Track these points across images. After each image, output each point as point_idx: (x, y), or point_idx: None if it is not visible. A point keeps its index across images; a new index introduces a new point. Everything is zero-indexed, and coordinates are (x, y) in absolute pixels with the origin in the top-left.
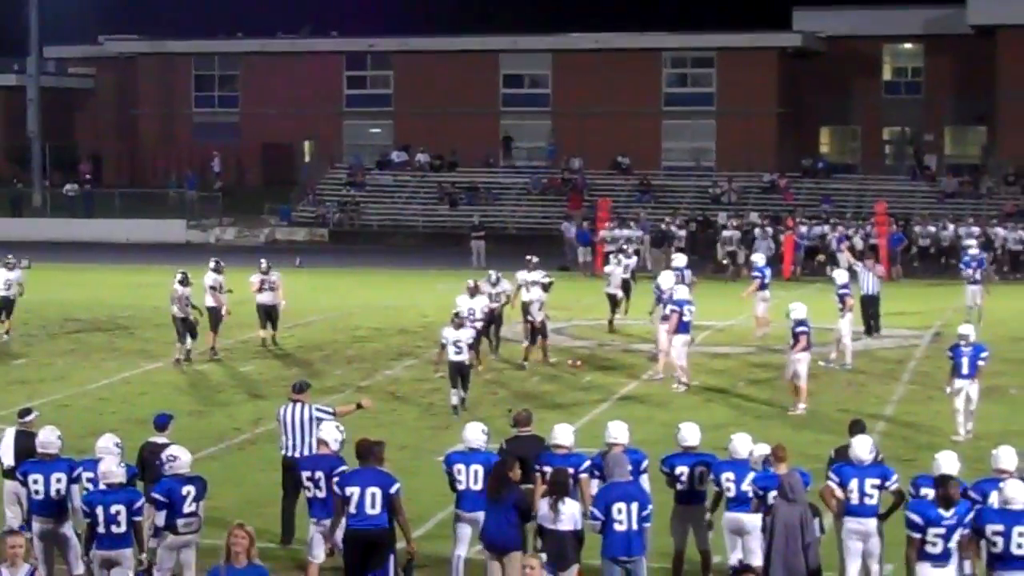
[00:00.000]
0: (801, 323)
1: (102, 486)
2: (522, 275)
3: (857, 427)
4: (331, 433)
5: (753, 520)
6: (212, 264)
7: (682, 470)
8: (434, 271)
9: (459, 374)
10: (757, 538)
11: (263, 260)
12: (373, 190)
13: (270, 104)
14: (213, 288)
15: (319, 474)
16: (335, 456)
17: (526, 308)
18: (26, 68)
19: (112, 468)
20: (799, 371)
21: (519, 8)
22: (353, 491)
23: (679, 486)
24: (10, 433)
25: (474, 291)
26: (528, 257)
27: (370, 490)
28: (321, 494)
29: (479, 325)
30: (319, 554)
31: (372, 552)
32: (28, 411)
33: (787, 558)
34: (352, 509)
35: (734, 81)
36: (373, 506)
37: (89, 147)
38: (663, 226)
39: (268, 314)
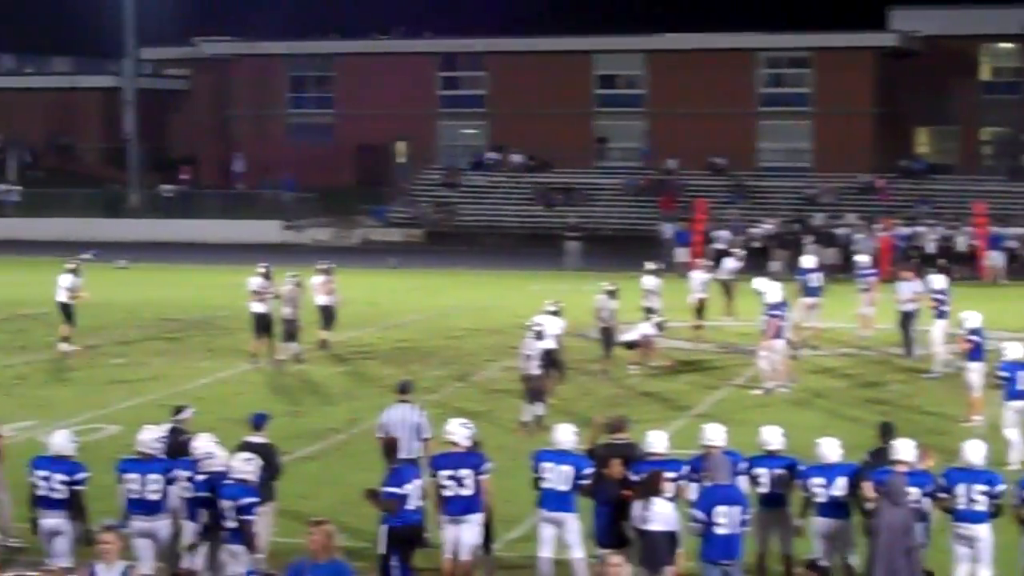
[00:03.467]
0: (974, 332)
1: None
2: (648, 280)
3: (887, 429)
4: (461, 432)
5: (837, 524)
6: (322, 265)
7: (761, 472)
8: (529, 272)
9: (533, 389)
10: (841, 543)
11: (263, 265)
12: (467, 191)
13: (364, 105)
14: (329, 288)
15: (464, 472)
16: (475, 453)
17: (650, 314)
18: (122, 70)
19: (240, 465)
20: (971, 381)
21: (613, 8)
22: (409, 488)
23: (760, 489)
24: (163, 429)
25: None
26: (649, 264)
27: (417, 484)
28: (467, 492)
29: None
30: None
31: (415, 544)
32: (182, 408)
33: (890, 562)
34: (411, 505)
35: (830, 81)
36: (419, 499)
37: (184, 148)
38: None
39: (263, 323)
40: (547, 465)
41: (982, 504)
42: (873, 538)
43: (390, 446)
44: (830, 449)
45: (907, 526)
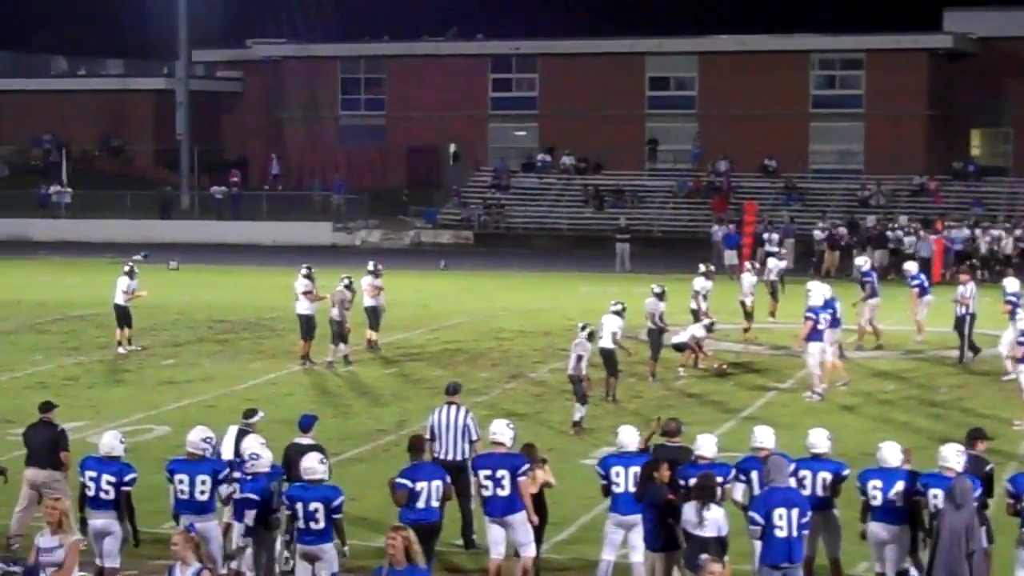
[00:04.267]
0: None
1: (304, 481)
2: (699, 282)
3: (977, 434)
4: (506, 432)
5: (892, 530)
6: (371, 267)
7: (804, 474)
8: (579, 274)
9: (581, 389)
10: (895, 548)
11: (305, 266)
12: (518, 192)
13: (415, 107)
14: (377, 289)
15: (503, 473)
16: (517, 455)
17: (696, 315)
18: (175, 72)
19: (314, 465)
20: (1022, 384)
21: (665, 10)
22: (423, 486)
23: (804, 491)
24: (232, 431)
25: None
26: (702, 267)
27: (434, 483)
28: (504, 492)
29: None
30: (502, 550)
31: (429, 544)
32: (253, 412)
33: (950, 565)
34: (420, 504)
35: (883, 83)
36: (436, 499)
37: (235, 150)
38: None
39: (309, 324)
40: (616, 469)
41: None
42: (935, 541)
43: (415, 442)
44: (891, 453)
45: (969, 529)
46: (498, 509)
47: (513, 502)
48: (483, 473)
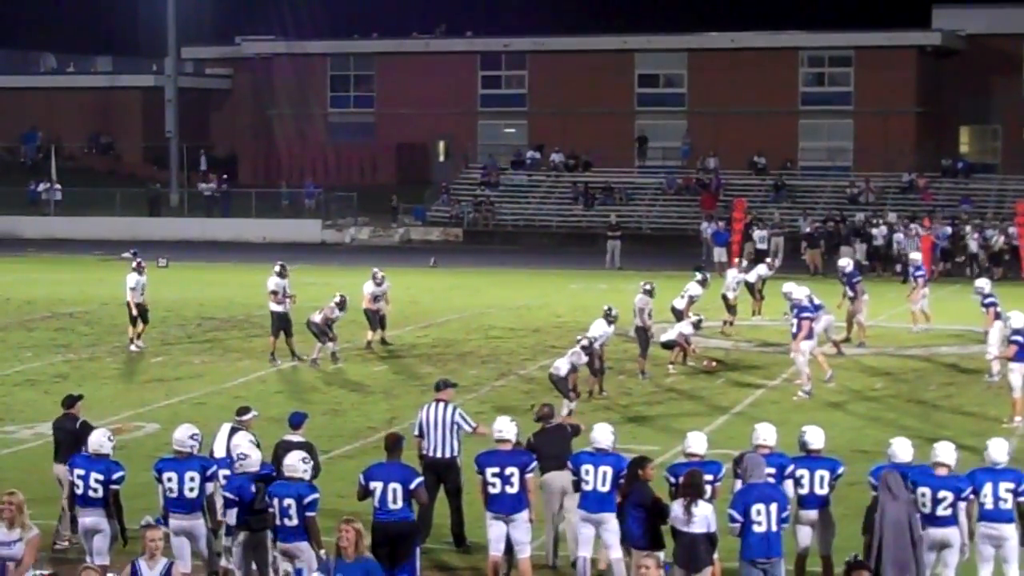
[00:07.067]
0: (1018, 332)
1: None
2: (694, 288)
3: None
4: (511, 428)
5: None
6: (375, 275)
7: (802, 473)
8: (568, 271)
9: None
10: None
11: (280, 263)
12: (507, 190)
13: (405, 104)
14: (376, 297)
15: (512, 470)
16: (523, 452)
17: (679, 315)
18: (164, 69)
19: (295, 463)
20: (1013, 382)
21: (654, 7)
22: (377, 485)
23: (799, 490)
24: (225, 429)
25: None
26: (698, 275)
27: (392, 485)
28: (512, 489)
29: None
30: (502, 547)
31: (397, 545)
32: (247, 409)
33: (898, 555)
34: (376, 503)
35: (872, 80)
36: (395, 500)
37: (225, 147)
38: (812, 227)
39: (283, 323)
40: (586, 467)
41: (1009, 503)
42: (880, 533)
43: (388, 441)
44: (902, 449)
45: (911, 517)
46: (506, 506)
47: (520, 499)
48: (491, 471)
